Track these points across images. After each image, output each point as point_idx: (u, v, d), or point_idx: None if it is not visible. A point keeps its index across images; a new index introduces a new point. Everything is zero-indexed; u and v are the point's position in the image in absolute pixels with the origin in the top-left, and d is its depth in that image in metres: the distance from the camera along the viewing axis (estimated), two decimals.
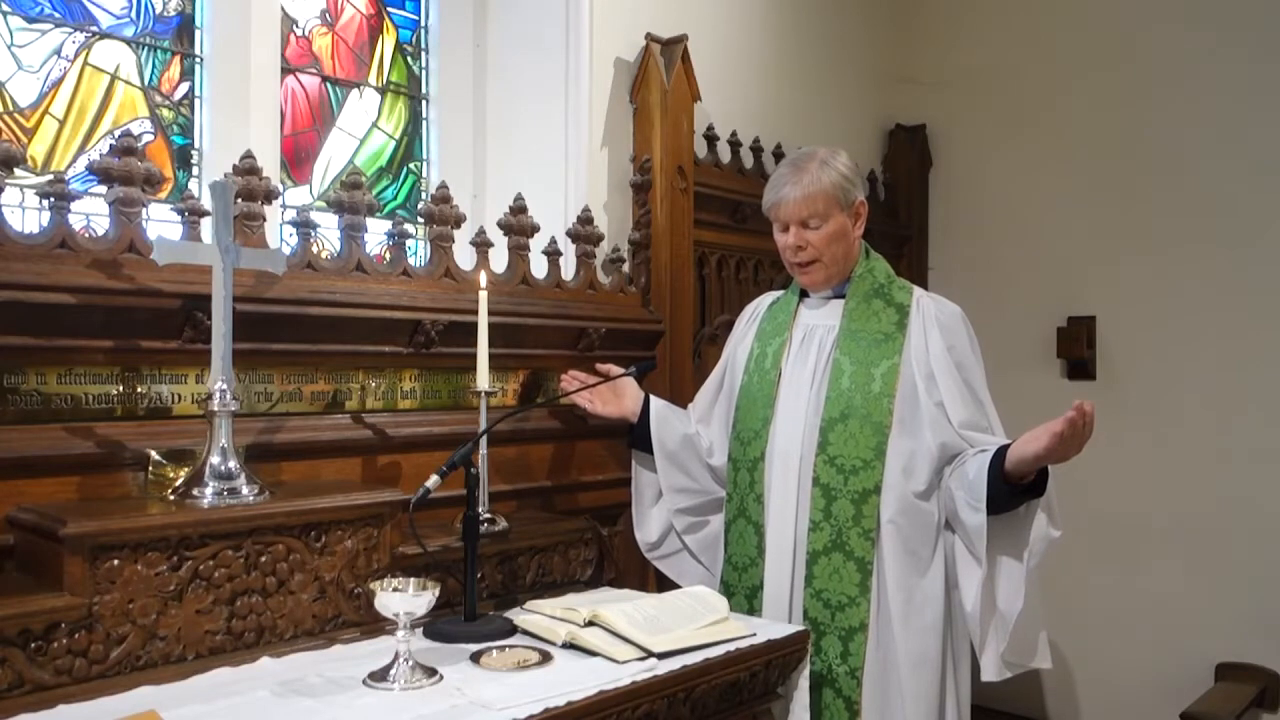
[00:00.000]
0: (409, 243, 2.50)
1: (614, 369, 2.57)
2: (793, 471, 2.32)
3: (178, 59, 2.59)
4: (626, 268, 2.99)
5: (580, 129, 2.95)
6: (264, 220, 2.14)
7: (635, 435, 2.56)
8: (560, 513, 2.65)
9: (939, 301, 2.40)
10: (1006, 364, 3.57)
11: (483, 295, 2.33)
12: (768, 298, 2.63)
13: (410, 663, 1.72)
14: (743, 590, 2.39)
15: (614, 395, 2.56)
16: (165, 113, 2.57)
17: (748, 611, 2.35)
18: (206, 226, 1.98)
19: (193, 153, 2.60)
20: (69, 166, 2.39)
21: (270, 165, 2.61)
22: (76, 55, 2.42)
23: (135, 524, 1.69)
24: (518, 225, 2.65)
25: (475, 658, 1.86)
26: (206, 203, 1.97)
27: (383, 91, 3.02)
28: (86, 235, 2.02)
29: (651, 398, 2.57)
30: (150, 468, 1.94)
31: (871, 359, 2.31)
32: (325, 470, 2.23)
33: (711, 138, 3.30)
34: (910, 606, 2.23)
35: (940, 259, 4.26)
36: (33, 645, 1.58)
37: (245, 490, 1.87)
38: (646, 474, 2.58)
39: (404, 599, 1.73)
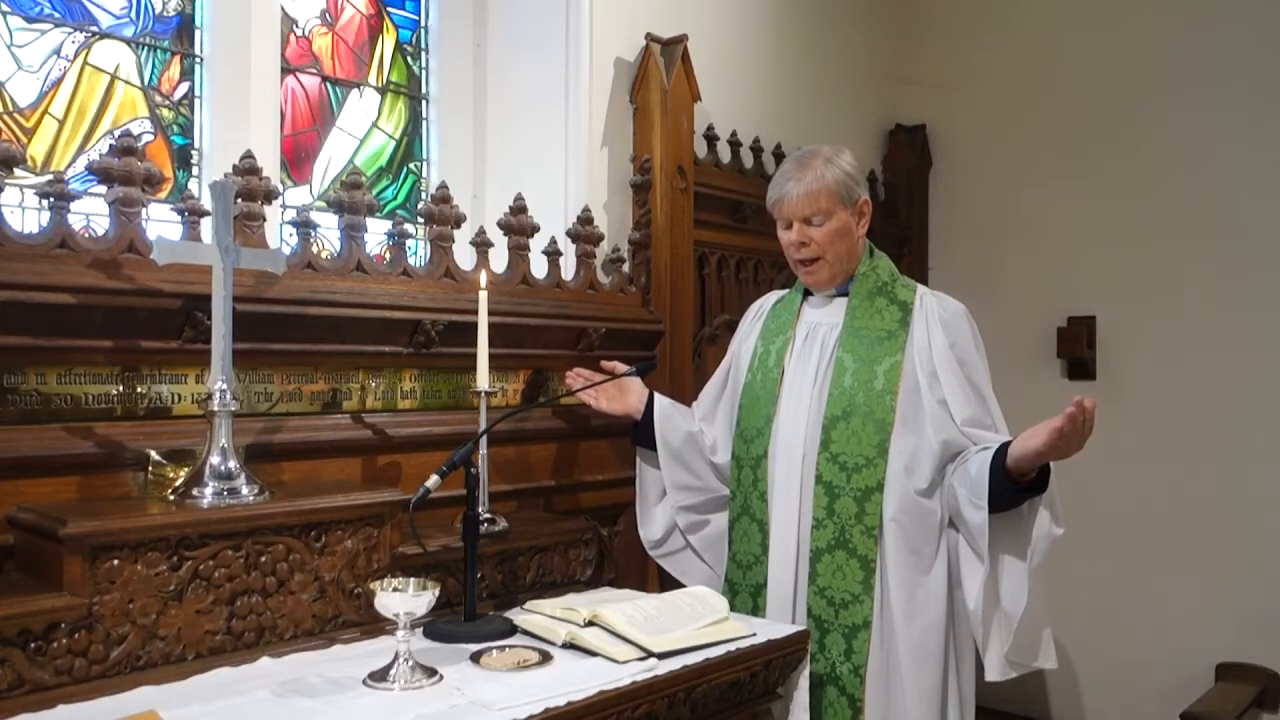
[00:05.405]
0: (409, 243, 2.50)
1: (619, 366, 2.58)
2: (795, 469, 2.33)
3: (178, 59, 2.59)
4: (626, 268, 2.99)
5: (580, 129, 2.95)
6: (264, 220, 2.14)
7: (639, 433, 2.56)
8: (560, 513, 2.65)
9: (942, 299, 2.40)
10: (1006, 364, 3.55)
11: (483, 295, 2.33)
12: (772, 296, 2.64)
13: (410, 663, 1.72)
14: (747, 588, 2.40)
15: (619, 392, 2.57)
16: (165, 113, 2.57)
17: (753, 609, 2.36)
18: (206, 226, 1.98)
19: (193, 153, 2.60)
20: (69, 166, 2.39)
21: (270, 165, 2.61)
22: (76, 55, 2.42)
23: (135, 524, 1.69)
24: (518, 225, 2.65)
25: (475, 658, 1.86)
26: (206, 203, 1.97)
27: (383, 91, 3.02)
28: (86, 235, 2.02)
29: (656, 395, 2.57)
30: (150, 468, 1.94)
31: (874, 356, 2.31)
32: (325, 470, 2.23)
33: (711, 138, 3.30)
34: (913, 604, 2.24)
35: (940, 259, 4.27)
36: (33, 645, 1.58)
37: (245, 490, 1.87)
38: (650, 471, 2.58)
39: (404, 599, 1.73)
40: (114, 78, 2.48)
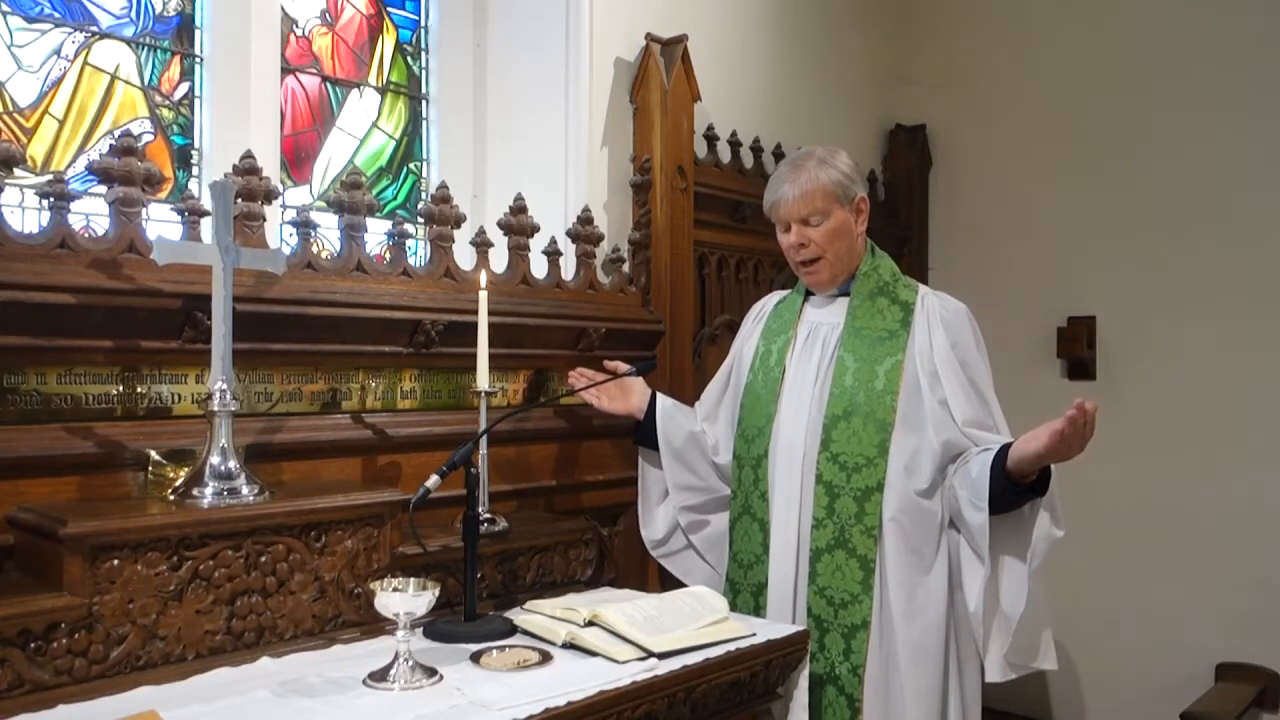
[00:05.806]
0: (409, 243, 2.50)
1: (621, 366, 2.58)
2: (796, 468, 2.33)
3: (178, 59, 2.59)
4: (626, 268, 2.99)
5: (580, 129, 2.95)
6: (264, 220, 2.14)
7: (641, 433, 2.56)
8: (560, 513, 2.65)
9: (944, 299, 2.40)
10: (1007, 364, 3.55)
11: (483, 295, 2.33)
12: (774, 297, 2.64)
13: (410, 663, 1.72)
14: (748, 587, 2.40)
15: (621, 392, 2.57)
16: (165, 113, 2.57)
17: (754, 609, 2.36)
18: (206, 226, 1.98)
19: (193, 153, 2.60)
20: (69, 166, 2.39)
21: (270, 165, 2.61)
22: (76, 55, 2.42)
23: (135, 524, 1.69)
24: (518, 225, 2.65)
25: (475, 658, 1.86)
26: (206, 203, 1.97)
27: (383, 91, 3.02)
28: (86, 235, 2.02)
29: (658, 395, 2.58)
30: (150, 468, 1.94)
31: (875, 356, 2.31)
32: (325, 470, 2.23)
33: (711, 138, 3.30)
34: (913, 604, 2.23)
35: (940, 259, 4.26)
36: (33, 645, 1.58)
37: (245, 490, 1.87)
38: (652, 471, 2.58)
39: (404, 599, 1.73)
40: (114, 78, 2.48)
